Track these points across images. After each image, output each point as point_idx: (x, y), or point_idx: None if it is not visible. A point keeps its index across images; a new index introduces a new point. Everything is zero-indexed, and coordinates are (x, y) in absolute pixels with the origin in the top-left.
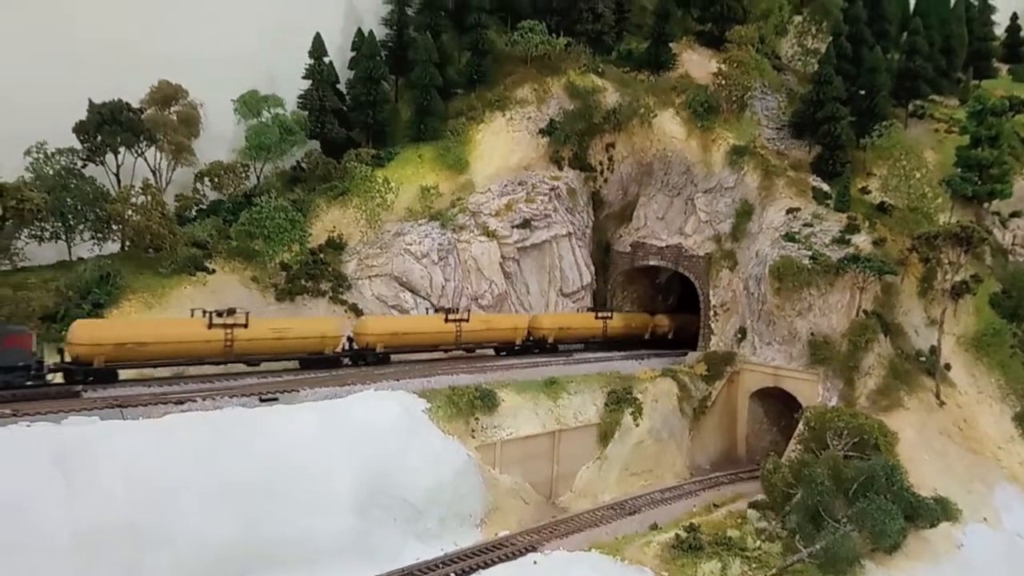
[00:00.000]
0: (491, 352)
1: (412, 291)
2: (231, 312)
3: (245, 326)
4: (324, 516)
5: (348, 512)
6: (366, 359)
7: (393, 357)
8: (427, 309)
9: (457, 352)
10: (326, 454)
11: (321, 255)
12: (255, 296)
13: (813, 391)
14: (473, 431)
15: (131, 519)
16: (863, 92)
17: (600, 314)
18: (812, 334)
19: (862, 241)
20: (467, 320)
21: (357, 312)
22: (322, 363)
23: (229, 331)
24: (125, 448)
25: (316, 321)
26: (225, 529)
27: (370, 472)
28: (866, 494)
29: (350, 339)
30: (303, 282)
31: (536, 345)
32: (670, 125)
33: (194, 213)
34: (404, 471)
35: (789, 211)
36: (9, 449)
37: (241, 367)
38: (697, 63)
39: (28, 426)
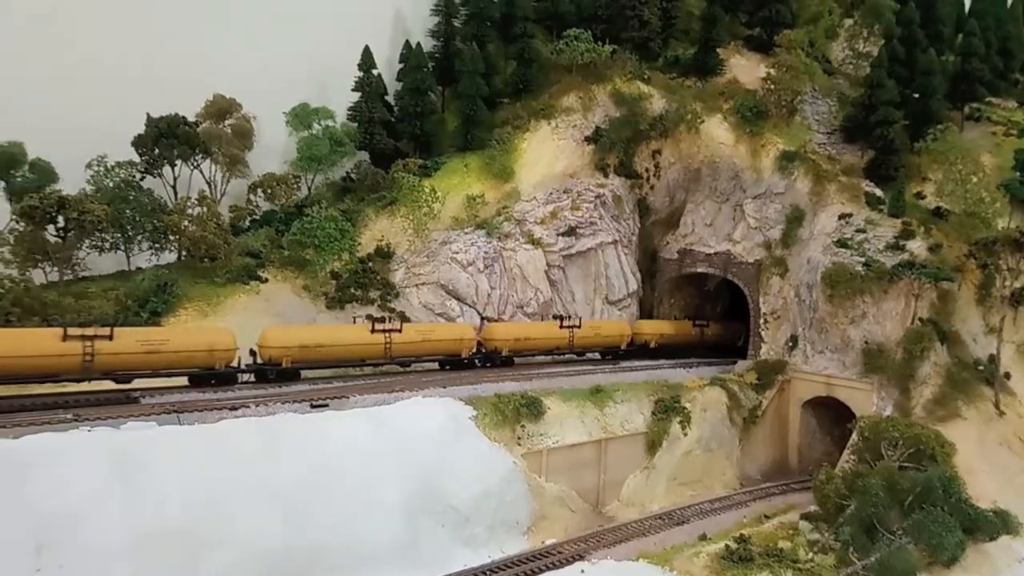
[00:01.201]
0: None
1: (458, 299)
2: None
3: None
4: (373, 521)
5: (397, 518)
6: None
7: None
8: (478, 316)
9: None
10: (375, 460)
11: (370, 264)
12: (306, 304)
13: (867, 401)
14: (519, 439)
15: (186, 523)
16: (917, 95)
17: (565, 323)
18: (866, 342)
19: (917, 247)
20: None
21: (404, 319)
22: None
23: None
24: (181, 453)
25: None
26: (277, 534)
27: (418, 478)
28: (922, 506)
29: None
30: (352, 290)
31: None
32: (718, 131)
33: (247, 224)
34: (451, 478)
35: (841, 217)
36: (71, 453)
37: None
38: (745, 68)
39: (89, 431)
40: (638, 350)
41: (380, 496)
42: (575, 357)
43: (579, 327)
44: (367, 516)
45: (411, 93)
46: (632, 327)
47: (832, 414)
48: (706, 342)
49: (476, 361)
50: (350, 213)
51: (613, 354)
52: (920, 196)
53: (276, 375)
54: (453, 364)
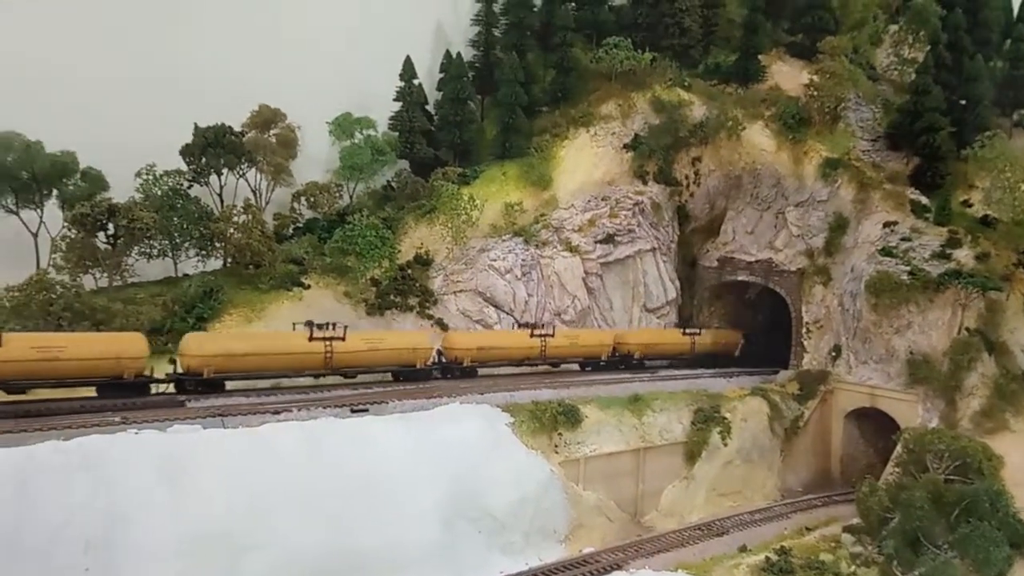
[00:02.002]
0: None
1: (496, 306)
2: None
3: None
4: (411, 526)
5: (434, 523)
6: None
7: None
8: (513, 324)
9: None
10: (413, 465)
11: (409, 271)
12: (347, 310)
13: (912, 412)
14: (556, 447)
15: (229, 526)
16: (964, 101)
17: (536, 332)
18: (911, 352)
19: (964, 256)
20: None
21: (443, 327)
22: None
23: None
24: (225, 456)
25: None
26: (317, 536)
27: (455, 484)
28: (969, 520)
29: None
30: (392, 297)
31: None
32: (759, 138)
33: (291, 231)
34: (488, 484)
35: (886, 225)
36: (118, 455)
37: None
38: (787, 75)
39: (136, 433)
40: (620, 360)
41: (418, 501)
42: (615, 365)
43: (552, 336)
44: (405, 521)
45: (451, 102)
46: (615, 336)
47: (876, 425)
48: (697, 352)
49: (434, 372)
50: (390, 221)
51: (593, 365)
52: (967, 204)
53: (196, 386)
54: (407, 376)
